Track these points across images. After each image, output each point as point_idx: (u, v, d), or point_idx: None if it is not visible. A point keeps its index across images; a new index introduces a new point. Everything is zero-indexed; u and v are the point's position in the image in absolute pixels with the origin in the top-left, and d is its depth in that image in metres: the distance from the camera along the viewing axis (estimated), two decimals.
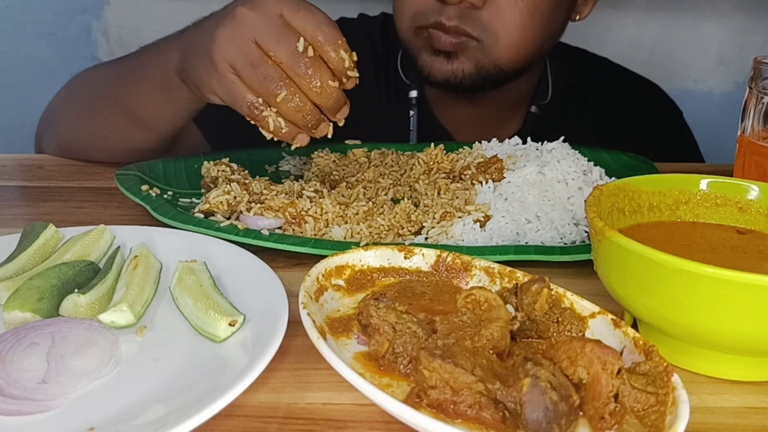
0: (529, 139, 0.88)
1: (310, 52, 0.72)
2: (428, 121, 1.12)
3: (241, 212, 0.73)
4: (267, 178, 0.83)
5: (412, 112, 1.11)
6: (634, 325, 0.53)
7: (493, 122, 1.14)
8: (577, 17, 1.07)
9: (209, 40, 0.73)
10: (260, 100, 0.72)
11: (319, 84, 0.72)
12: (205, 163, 0.83)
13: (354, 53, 0.75)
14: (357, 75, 0.76)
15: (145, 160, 0.89)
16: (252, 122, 0.74)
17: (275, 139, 0.75)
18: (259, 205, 0.73)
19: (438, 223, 0.73)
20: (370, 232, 0.73)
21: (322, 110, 0.74)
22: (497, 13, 0.94)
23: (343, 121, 0.76)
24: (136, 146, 0.92)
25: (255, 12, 0.72)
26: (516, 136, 0.90)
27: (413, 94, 1.11)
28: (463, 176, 0.83)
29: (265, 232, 0.69)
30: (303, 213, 0.74)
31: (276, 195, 0.75)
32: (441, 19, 0.95)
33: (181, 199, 0.79)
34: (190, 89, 0.79)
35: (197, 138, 1.04)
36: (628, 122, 1.17)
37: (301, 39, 0.71)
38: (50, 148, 1.02)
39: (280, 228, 0.73)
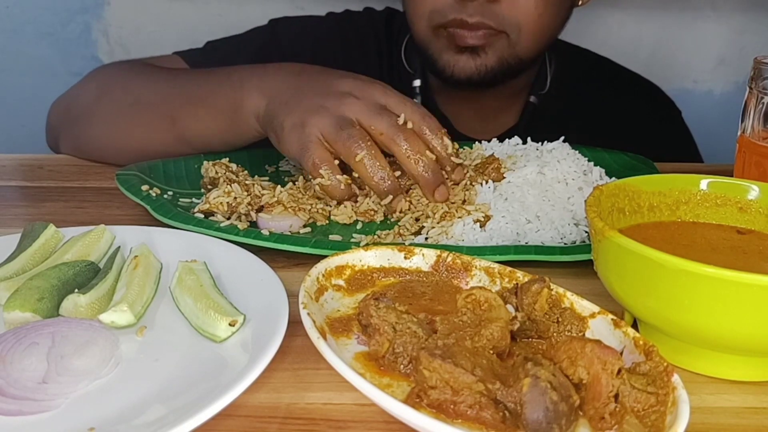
0: (529, 139, 0.88)
1: (409, 125, 0.75)
2: (430, 109, 1.12)
3: (257, 212, 0.74)
4: (267, 178, 0.83)
5: (416, 101, 1.11)
6: (634, 325, 0.53)
7: (493, 111, 1.15)
8: (580, 2, 1.07)
9: (309, 108, 0.75)
10: (327, 160, 0.74)
11: (417, 153, 0.74)
12: (205, 163, 0.83)
13: (456, 144, 0.78)
14: (462, 162, 0.79)
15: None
16: (312, 179, 0.76)
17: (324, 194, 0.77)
18: (281, 207, 0.74)
19: (438, 223, 0.74)
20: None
21: (418, 184, 0.76)
22: (514, 3, 0.95)
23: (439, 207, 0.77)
24: (167, 152, 0.92)
25: (362, 99, 0.76)
26: (516, 136, 0.90)
27: (416, 83, 1.12)
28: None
29: (265, 232, 0.69)
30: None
31: (281, 194, 0.75)
32: (462, 17, 0.95)
33: (181, 199, 0.79)
34: (266, 134, 0.82)
35: None
36: (627, 119, 1.18)
37: (402, 115, 0.75)
38: (68, 147, 1.00)
39: (307, 227, 0.74)
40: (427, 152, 0.75)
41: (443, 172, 0.77)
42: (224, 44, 1.14)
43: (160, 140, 0.91)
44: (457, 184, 0.79)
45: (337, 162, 0.75)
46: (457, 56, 0.99)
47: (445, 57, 1.00)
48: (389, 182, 0.75)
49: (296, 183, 0.81)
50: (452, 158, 0.78)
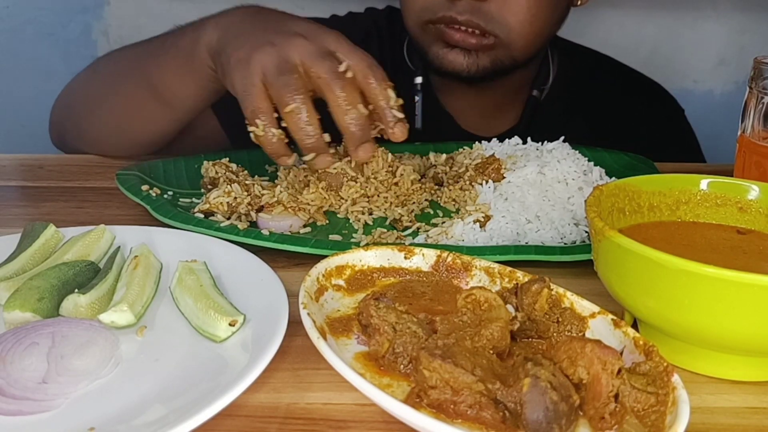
0: (529, 139, 0.88)
1: (349, 74, 0.72)
2: (433, 106, 1.13)
3: (257, 212, 0.74)
4: (267, 178, 0.83)
5: (417, 98, 1.11)
6: (634, 325, 0.53)
7: (496, 107, 1.15)
8: (579, 2, 1.07)
9: (256, 44, 0.74)
10: (265, 111, 0.72)
11: (349, 104, 0.72)
12: (205, 163, 0.83)
13: (400, 99, 0.75)
14: (403, 117, 0.75)
15: (159, 147, 0.90)
16: (248, 127, 0.74)
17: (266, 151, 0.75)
18: (281, 207, 0.74)
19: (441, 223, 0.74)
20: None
21: (344, 136, 0.74)
22: (504, 3, 0.95)
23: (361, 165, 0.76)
24: (154, 127, 0.92)
25: (311, 41, 0.73)
26: (516, 136, 0.90)
27: (418, 80, 1.12)
28: (461, 177, 0.83)
29: (265, 232, 0.69)
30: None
31: (280, 193, 0.75)
32: (451, 14, 0.95)
33: (181, 199, 0.79)
34: (214, 69, 0.80)
35: (213, 125, 1.04)
36: (630, 117, 1.18)
37: (345, 62, 0.72)
38: (77, 143, 1.00)
39: (307, 227, 0.74)
40: (360, 106, 0.72)
41: (380, 125, 0.75)
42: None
43: (138, 100, 0.90)
44: (399, 141, 0.76)
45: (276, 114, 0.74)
46: (446, 49, 0.99)
47: (434, 49, 1.00)
48: (314, 139, 0.73)
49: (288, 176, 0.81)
50: (394, 111, 0.74)
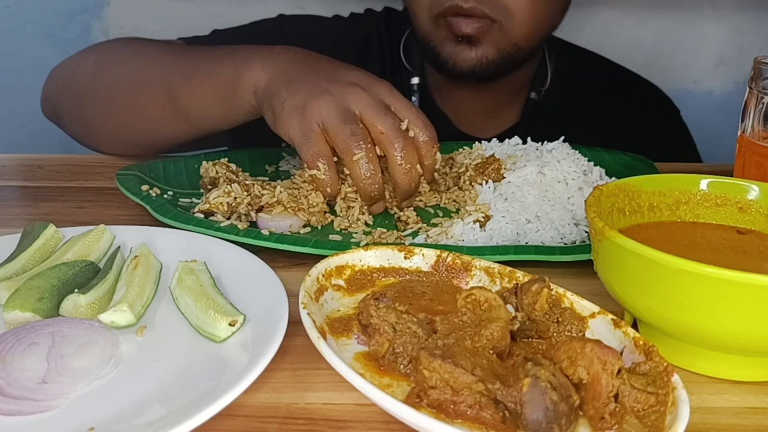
0: (529, 139, 0.88)
1: (411, 133, 0.75)
2: (429, 107, 1.13)
3: (257, 212, 0.74)
4: (267, 178, 0.83)
5: (414, 99, 1.12)
6: (634, 325, 0.53)
7: (493, 108, 1.15)
8: None
9: (312, 92, 0.74)
10: (326, 155, 0.74)
11: (409, 164, 0.74)
12: (204, 163, 0.83)
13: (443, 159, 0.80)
14: (439, 178, 0.81)
15: (168, 152, 0.89)
16: (308, 170, 0.75)
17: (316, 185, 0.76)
18: (281, 207, 0.74)
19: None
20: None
21: (397, 192, 0.76)
22: None
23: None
24: (171, 137, 0.91)
25: (367, 93, 0.75)
26: (516, 136, 0.90)
27: (415, 80, 1.12)
28: (461, 177, 0.83)
29: (265, 232, 0.69)
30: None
31: (281, 193, 0.75)
32: (457, 2, 0.95)
33: (181, 199, 0.79)
34: (260, 109, 0.80)
35: (222, 136, 1.03)
36: (626, 118, 1.18)
37: (406, 121, 0.75)
38: (72, 125, 0.99)
39: (307, 227, 0.74)
40: (418, 165, 0.75)
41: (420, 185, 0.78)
42: (230, 33, 1.14)
43: (159, 116, 0.90)
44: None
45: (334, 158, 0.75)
46: (458, 47, 1.00)
47: (447, 49, 1.01)
48: (377, 187, 0.75)
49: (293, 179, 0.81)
50: (436, 174, 0.79)
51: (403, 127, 0.74)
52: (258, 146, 0.96)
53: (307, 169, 0.75)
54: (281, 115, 0.76)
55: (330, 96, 0.74)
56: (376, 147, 0.75)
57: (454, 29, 0.98)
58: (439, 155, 0.78)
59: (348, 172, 0.75)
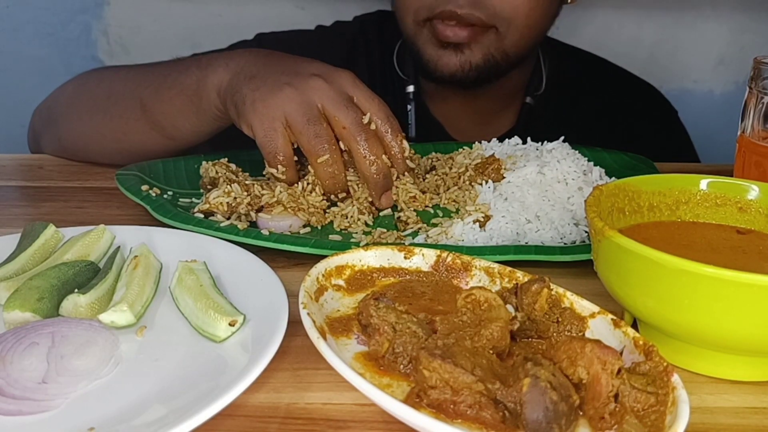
0: (529, 139, 0.88)
1: (373, 126, 0.76)
2: (423, 115, 1.12)
3: (257, 212, 0.74)
4: (266, 178, 0.83)
5: (409, 107, 1.11)
6: (634, 325, 0.53)
7: (488, 114, 1.15)
8: (570, 0, 1.07)
9: (274, 86, 0.75)
10: (286, 156, 0.75)
11: (374, 155, 0.75)
12: (204, 163, 0.83)
13: (412, 149, 0.79)
14: (414, 166, 0.80)
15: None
16: (267, 167, 0.77)
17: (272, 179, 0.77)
18: (281, 207, 0.74)
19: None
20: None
21: (368, 185, 0.77)
22: None
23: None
24: (151, 152, 0.91)
25: (329, 85, 0.75)
26: (516, 136, 0.90)
27: (410, 89, 1.12)
28: (461, 177, 0.83)
29: (265, 232, 0.69)
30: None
31: (280, 193, 0.75)
32: (450, 8, 0.95)
33: (181, 199, 0.79)
34: (226, 109, 0.80)
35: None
36: (624, 119, 1.18)
37: (368, 114, 0.75)
38: (50, 147, 1.00)
39: (306, 227, 0.74)
40: (384, 156, 0.76)
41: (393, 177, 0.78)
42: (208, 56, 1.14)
43: (134, 129, 0.90)
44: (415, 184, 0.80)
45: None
46: (441, 51, 0.99)
47: (430, 51, 1.00)
48: (340, 186, 0.77)
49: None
50: (407, 161, 0.79)
51: (365, 120, 0.75)
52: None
53: (267, 167, 0.76)
54: (243, 111, 0.76)
55: (291, 89, 0.74)
56: (340, 143, 0.75)
57: (439, 35, 0.97)
58: (405, 144, 0.78)
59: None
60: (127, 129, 0.91)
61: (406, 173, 0.79)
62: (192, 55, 1.13)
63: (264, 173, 0.78)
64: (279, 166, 0.75)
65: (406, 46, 1.09)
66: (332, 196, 0.78)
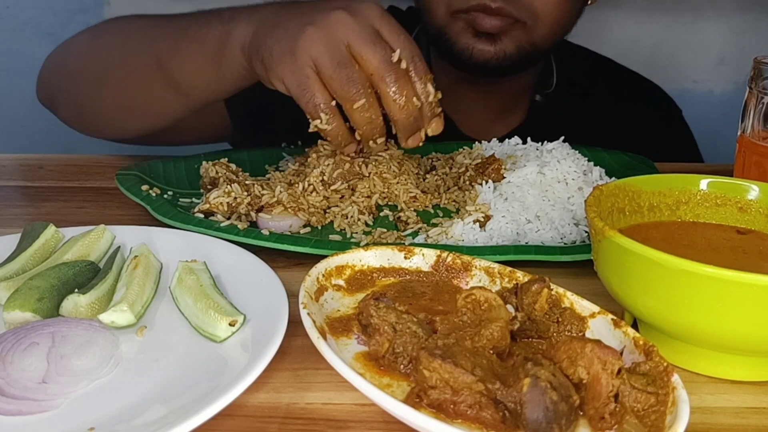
0: (529, 139, 0.88)
1: (403, 65, 0.71)
2: None
3: (257, 212, 0.74)
4: (267, 178, 0.83)
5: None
6: (634, 325, 0.53)
7: (498, 111, 1.15)
8: (590, 1, 1.08)
9: (297, 29, 0.71)
10: (327, 103, 0.71)
11: (404, 97, 0.71)
12: (204, 163, 0.83)
13: (439, 93, 0.75)
14: (441, 112, 0.76)
15: (163, 129, 0.89)
16: (309, 118, 0.73)
17: (320, 134, 0.74)
18: (281, 207, 0.74)
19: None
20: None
21: (397, 128, 0.74)
22: None
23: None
24: (163, 110, 0.89)
25: (354, 18, 0.71)
26: (516, 136, 0.90)
27: None
28: (461, 177, 0.83)
29: (265, 232, 0.69)
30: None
31: (281, 193, 0.75)
32: (485, 1, 0.94)
33: (181, 199, 0.80)
34: (252, 66, 0.77)
35: (223, 120, 1.03)
36: (630, 118, 1.18)
37: (397, 51, 0.71)
38: (66, 107, 0.98)
39: (307, 227, 0.74)
40: (414, 99, 0.72)
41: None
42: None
43: (151, 85, 0.87)
44: (435, 134, 0.77)
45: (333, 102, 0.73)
46: (475, 39, 0.99)
47: (463, 40, 0.99)
48: (378, 130, 0.73)
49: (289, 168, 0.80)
50: (433, 107, 0.75)
51: (394, 59, 0.71)
52: (258, 145, 0.96)
53: (310, 120, 0.73)
54: (271, 64, 0.73)
55: (314, 29, 0.71)
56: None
57: (476, 25, 0.97)
58: (431, 88, 0.74)
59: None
60: (143, 84, 0.88)
61: (433, 121, 0.75)
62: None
63: (309, 131, 0.74)
64: (322, 115, 0.72)
65: (420, 41, 1.09)
66: (370, 142, 0.75)
